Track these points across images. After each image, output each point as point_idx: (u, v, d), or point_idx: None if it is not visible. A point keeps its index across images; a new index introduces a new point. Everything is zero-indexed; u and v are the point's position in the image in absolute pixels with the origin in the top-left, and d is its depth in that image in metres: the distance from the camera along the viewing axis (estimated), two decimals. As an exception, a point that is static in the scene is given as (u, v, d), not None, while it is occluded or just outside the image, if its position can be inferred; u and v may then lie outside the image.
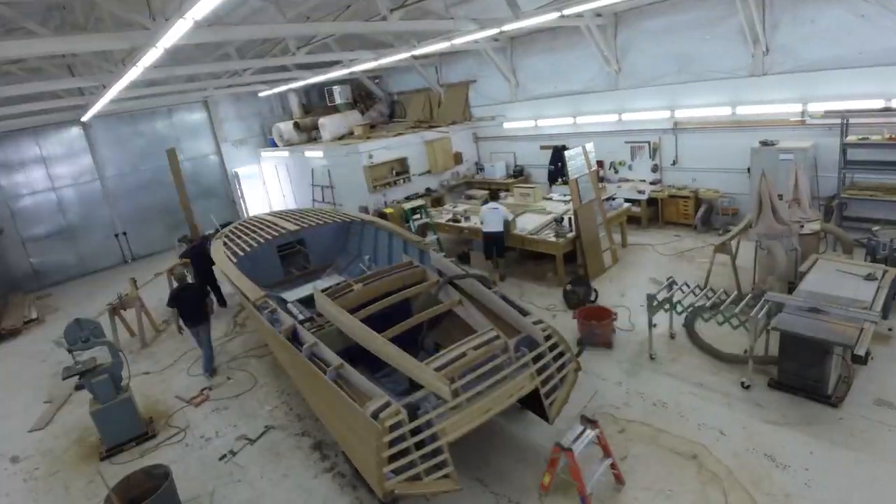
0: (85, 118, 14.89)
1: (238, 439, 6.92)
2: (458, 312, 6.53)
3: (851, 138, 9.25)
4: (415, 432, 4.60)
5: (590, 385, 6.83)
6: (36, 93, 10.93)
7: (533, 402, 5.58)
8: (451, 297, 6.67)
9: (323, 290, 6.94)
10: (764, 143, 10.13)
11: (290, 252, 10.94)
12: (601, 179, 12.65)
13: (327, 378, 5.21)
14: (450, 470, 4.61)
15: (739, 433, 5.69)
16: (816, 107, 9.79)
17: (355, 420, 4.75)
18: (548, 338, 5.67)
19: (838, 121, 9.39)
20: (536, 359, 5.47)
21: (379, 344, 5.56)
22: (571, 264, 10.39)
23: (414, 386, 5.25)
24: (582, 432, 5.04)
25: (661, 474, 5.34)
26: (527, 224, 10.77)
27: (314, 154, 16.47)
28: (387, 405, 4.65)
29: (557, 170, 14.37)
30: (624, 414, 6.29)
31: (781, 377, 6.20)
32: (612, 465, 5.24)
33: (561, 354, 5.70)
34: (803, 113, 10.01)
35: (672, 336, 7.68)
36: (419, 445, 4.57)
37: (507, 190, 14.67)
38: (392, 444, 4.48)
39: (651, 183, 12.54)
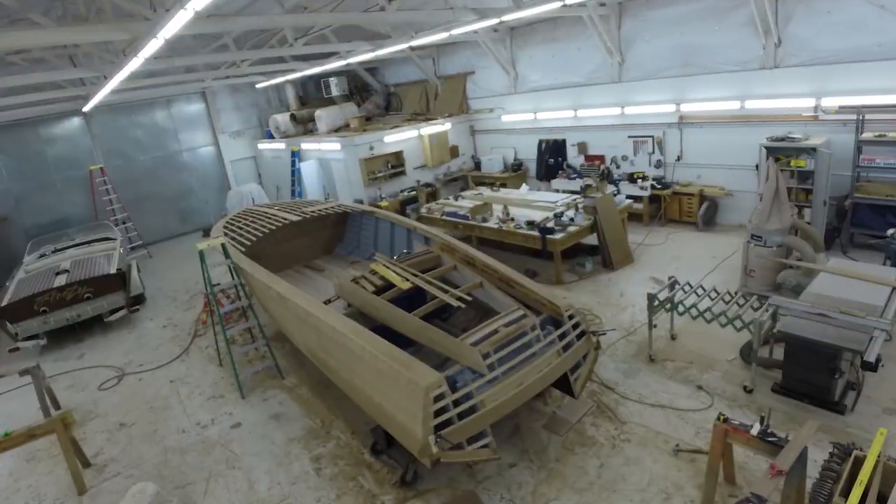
0: (86, 108, 15.12)
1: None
2: (478, 295, 6.67)
3: (867, 135, 8.96)
4: (455, 403, 4.83)
5: (586, 386, 6.61)
6: (39, 83, 11.21)
7: (558, 380, 5.80)
8: (469, 280, 6.83)
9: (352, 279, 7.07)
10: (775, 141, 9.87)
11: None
12: (607, 175, 12.49)
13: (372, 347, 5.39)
14: (489, 440, 4.86)
15: None
16: (831, 101, 9.51)
17: (401, 389, 4.95)
18: (570, 317, 5.89)
19: (854, 116, 9.13)
20: (561, 337, 5.69)
21: (412, 322, 5.85)
22: (569, 262, 10.24)
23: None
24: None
25: (658, 477, 5.19)
26: (522, 219, 10.57)
27: (311, 146, 16.43)
28: (430, 376, 4.85)
29: (558, 164, 14.20)
30: (620, 416, 6.15)
31: (786, 382, 6.01)
32: None
33: (583, 333, 5.90)
34: (816, 108, 9.75)
35: (673, 337, 7.50)
36: (461, 416, 4.81)
37: (504, 185, 14.53)
38: (435, 414, 4.71)
39: (654, 179, 12.32)
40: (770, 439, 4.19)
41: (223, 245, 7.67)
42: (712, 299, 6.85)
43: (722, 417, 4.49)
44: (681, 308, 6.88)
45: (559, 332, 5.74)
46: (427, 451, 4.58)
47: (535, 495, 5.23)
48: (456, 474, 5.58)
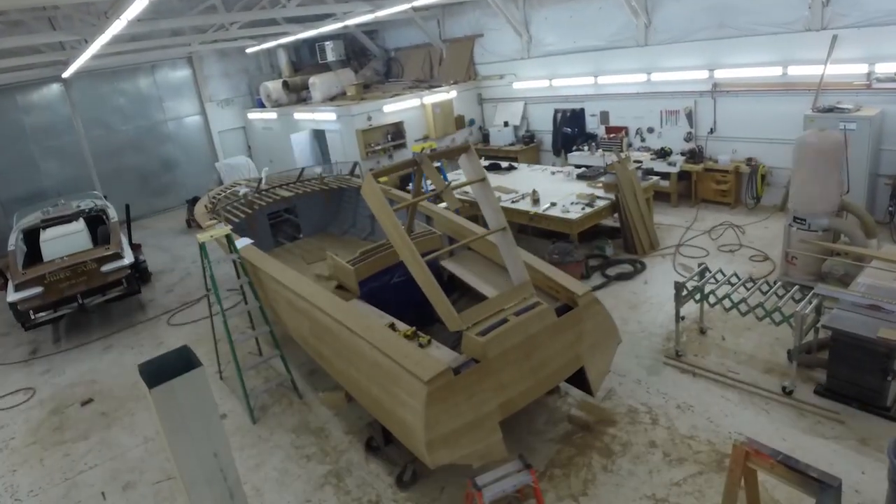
0: (66, 74, 15.13)
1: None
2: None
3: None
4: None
5: (605, 382, 6.37)
6: (16, 47, 11.36)
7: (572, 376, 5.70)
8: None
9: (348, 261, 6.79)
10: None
11: (278, 220, 10.77)
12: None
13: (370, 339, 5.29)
14: (498, 438, 4.79)
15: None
16: (885, 68, 9.14)
17: (402, 381, 4.86)
18: (587, 305, 5.65)
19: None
20: (577, 327, 5.53)
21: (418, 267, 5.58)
22: (586, 245, 9.97)
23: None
24: (508, 474, 4.74)
25: (687, 485, 5.01)
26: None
27: (304, 116, 16.33)
28: (435, 367, 4.76)
29: (575, 136, 13.86)
30: (643, 417, 5.95)
31: (831, 383, 5.75)
32: None
33: (601, 323, 5.72)
34: (869, 75, 9.37)
35: (702, 331, 7.23)
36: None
37: (515, 159, 14.21)
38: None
39: (683, 154, 11.95)
40: (797, 468, 3.78)
41: (228, 236, 6.99)
42: (747, 289, 6.58)
43: (738, 442, 4.13)
44: (712, 299, 6.65)
45: (575, 321, 5.54)
46: (431, 451, 4.48)
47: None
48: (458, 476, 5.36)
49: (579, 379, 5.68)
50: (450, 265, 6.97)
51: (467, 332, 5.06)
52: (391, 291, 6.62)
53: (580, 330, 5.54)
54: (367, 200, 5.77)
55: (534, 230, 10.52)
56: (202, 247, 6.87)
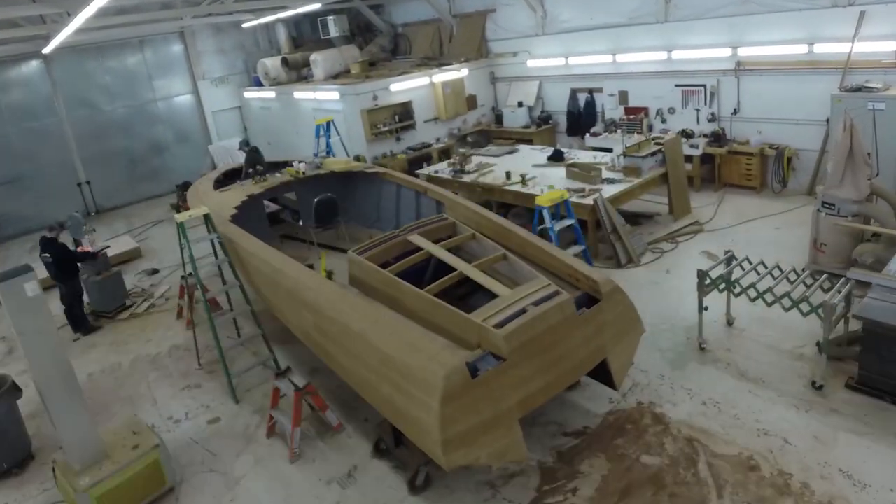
0: (47, 50, 14.89)
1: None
2: (501, 269, 6.48)
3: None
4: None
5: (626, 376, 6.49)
6: None
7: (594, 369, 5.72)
8: (490, 252, 6.57)
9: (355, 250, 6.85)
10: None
11: (277, 209, 10.84)
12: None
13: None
14: (517, 437, 4.78)
15: (809, 443, 5.37)
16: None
17: (414, 376, 4.85)
18: (609, 294, 5.65)
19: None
20: (599, 318, 5.54)
21: (426, 301, 5.61)
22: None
23: None
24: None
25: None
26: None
27: (304, 96, 16.26)
28: (451, 360, 4.78)
29: (592, 116, 14.01)
30: (667, 413, 6.03)
31: (863, 377, 5.82)
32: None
33: (624, 312, 5.76)
34: (901, 52, 9.34)
35: (729, 322, 7.32)
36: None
37: (530, 141, 14.22)
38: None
39: (706, 136, 11.98)
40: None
41: (206, 216, 7.37)
42: (775, 278, 6.62)
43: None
44: (737, 288, 6.68)
45: (596, 313, 5.54)
46: (447, 452, 4.46)
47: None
48: (474, 480, 5.47)
49: (601, 372, 5.72)
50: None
51: (483, 324, 5.06)
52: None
53: (603, 320, 5.57)
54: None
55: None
56: (181, 226, 7.18)
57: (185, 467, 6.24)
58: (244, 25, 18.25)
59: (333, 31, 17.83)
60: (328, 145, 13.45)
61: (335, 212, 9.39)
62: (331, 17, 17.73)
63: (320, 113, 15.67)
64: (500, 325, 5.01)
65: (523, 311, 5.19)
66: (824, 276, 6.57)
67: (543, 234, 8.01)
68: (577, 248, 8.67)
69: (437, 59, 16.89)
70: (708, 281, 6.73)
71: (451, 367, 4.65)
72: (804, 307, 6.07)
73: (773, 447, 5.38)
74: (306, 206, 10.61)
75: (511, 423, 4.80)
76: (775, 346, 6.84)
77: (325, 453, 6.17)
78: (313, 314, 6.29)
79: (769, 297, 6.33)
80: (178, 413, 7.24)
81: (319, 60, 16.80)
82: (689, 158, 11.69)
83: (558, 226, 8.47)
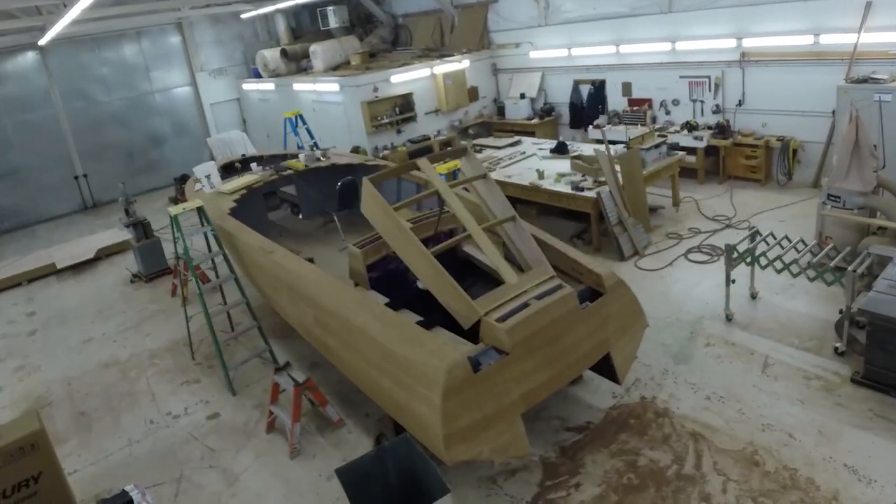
0: (42, 41, 14.90)
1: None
2: (510, 232, 6.43)
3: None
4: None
5: (630, 371, 6.47)
6: None
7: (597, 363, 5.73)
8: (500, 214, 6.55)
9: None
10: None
11: (275, 202, 10.81)
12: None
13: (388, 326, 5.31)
14: (520, 433, 4.78)
15: (814, 438, 5.36)
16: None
17: (416, 370, 4.86)
18: (613, 288, 5.67)
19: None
20: (603, 312, 5.54)
21: (432, 266, 5.50)
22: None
23: None
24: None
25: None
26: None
27: (304, 87, 16.27)
28: (452, 354, 4.77)
29: (596, 108, 13.95)
30: (671, 408, 6.03)
31: (869, 372, 5.80)
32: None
33: (627, 306, 5.78)
34: (908, 43, 9.30)
35: (753, 296, 7.58)
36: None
37: (532, 134, 14.19)
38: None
39: (710, 128, 11.96)
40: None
41: (200, 209, 7.38)
42: (798, 251, 6.88)
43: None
44: (763, 261, 6.90)
45: (600, 307, 5.55)
46: (448, 448, 4.47)
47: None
48: (476, 476, 5.48)
49: (604, 367, 5.74)
50: (467, 248, 6.96)
51: (486, 319, 5.06)
52: (402, 276, 6.53)
53: (606, 314, 5.58)
54: (368, 216, 5.87)
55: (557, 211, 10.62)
56: (174, 219, 7.20)
57: (184, 463, 6.24)
58: (243, 16, 18.24)
59: (333, 22, 17.80)
60: (311, 137, 13.45)
61: (357, 195, 9.36)
62: (330, 8, 17.71)
63: (320, 105, 15.77)
64: (502, 319, 5.00)
65: (526, 304, 5.18)
66: (847, 248, 6.84)
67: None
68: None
69: (438, 51, 16.83)
70: (735, 254, 6.98)
71: (453, 362, 4.64)
72: (828, 277, 6.35)
73: (778, 442, 5.38)
74: (306, 199, 10.66)
75: (513, 418, 4.80)
76: (793, 324, 7.01)
77: (325, 449, 6.17)
78: (313, 308, 6.28)
79: (794, 269, 6.58)
80: (177, 409, 7.24)
81: (319, 52, 16.77)
82: (693, 151, 11.69)
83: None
